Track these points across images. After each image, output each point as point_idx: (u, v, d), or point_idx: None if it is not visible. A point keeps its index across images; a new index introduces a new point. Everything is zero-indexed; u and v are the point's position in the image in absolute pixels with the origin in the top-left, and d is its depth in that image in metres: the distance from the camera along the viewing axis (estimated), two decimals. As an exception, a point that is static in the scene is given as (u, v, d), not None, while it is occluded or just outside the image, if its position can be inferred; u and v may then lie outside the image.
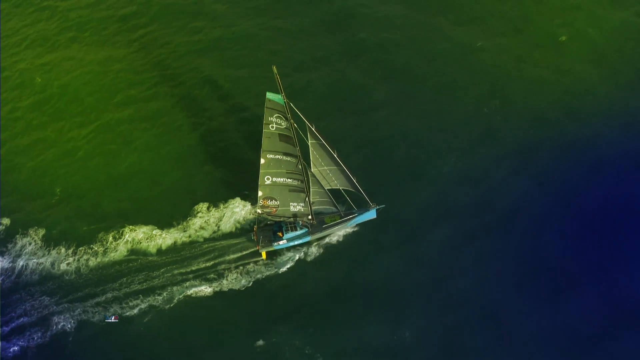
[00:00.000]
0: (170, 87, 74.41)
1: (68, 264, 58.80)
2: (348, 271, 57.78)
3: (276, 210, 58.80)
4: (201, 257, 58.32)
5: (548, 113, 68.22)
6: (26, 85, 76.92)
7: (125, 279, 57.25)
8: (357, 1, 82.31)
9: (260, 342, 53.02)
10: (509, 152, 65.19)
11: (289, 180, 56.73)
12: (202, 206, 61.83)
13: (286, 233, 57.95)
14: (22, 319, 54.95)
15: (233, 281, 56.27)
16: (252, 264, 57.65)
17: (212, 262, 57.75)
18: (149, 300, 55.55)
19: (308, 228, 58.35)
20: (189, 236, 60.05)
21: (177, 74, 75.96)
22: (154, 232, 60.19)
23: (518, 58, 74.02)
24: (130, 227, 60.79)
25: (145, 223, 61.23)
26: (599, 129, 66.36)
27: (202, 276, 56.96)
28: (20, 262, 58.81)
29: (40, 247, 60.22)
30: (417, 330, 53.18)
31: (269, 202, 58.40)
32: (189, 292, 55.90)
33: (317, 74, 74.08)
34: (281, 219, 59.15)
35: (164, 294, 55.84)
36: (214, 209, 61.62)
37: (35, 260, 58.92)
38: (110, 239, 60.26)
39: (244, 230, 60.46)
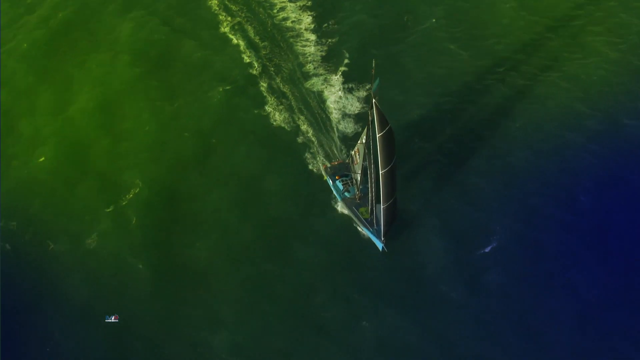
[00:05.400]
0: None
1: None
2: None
3: (355, 164, 64.90)
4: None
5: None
6: None
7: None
8: None
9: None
10: None
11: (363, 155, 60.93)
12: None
13: (339, 182, 65.19)
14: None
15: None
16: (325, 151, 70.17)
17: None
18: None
19: (348, 195, 63.97)
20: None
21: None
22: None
23: None
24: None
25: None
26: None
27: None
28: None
29: None
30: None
31: (356, 155, 64.48)
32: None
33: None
34: (352, 174, 65.52)
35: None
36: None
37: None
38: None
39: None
